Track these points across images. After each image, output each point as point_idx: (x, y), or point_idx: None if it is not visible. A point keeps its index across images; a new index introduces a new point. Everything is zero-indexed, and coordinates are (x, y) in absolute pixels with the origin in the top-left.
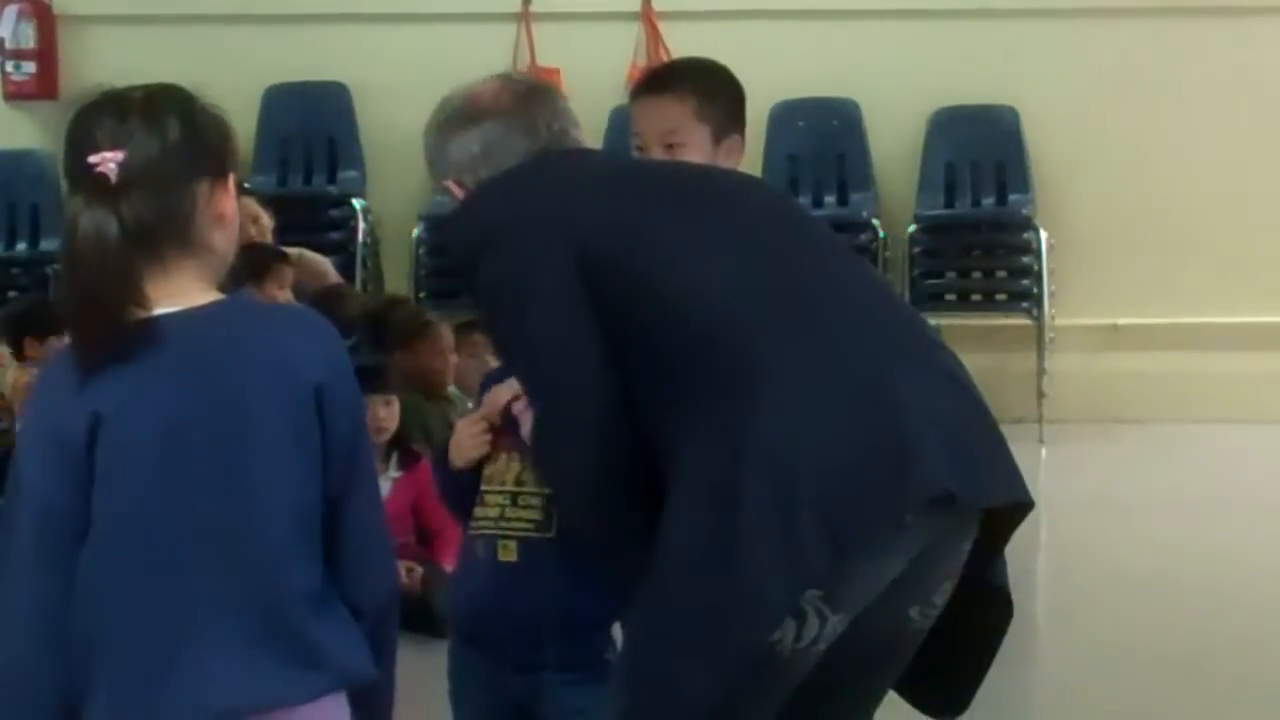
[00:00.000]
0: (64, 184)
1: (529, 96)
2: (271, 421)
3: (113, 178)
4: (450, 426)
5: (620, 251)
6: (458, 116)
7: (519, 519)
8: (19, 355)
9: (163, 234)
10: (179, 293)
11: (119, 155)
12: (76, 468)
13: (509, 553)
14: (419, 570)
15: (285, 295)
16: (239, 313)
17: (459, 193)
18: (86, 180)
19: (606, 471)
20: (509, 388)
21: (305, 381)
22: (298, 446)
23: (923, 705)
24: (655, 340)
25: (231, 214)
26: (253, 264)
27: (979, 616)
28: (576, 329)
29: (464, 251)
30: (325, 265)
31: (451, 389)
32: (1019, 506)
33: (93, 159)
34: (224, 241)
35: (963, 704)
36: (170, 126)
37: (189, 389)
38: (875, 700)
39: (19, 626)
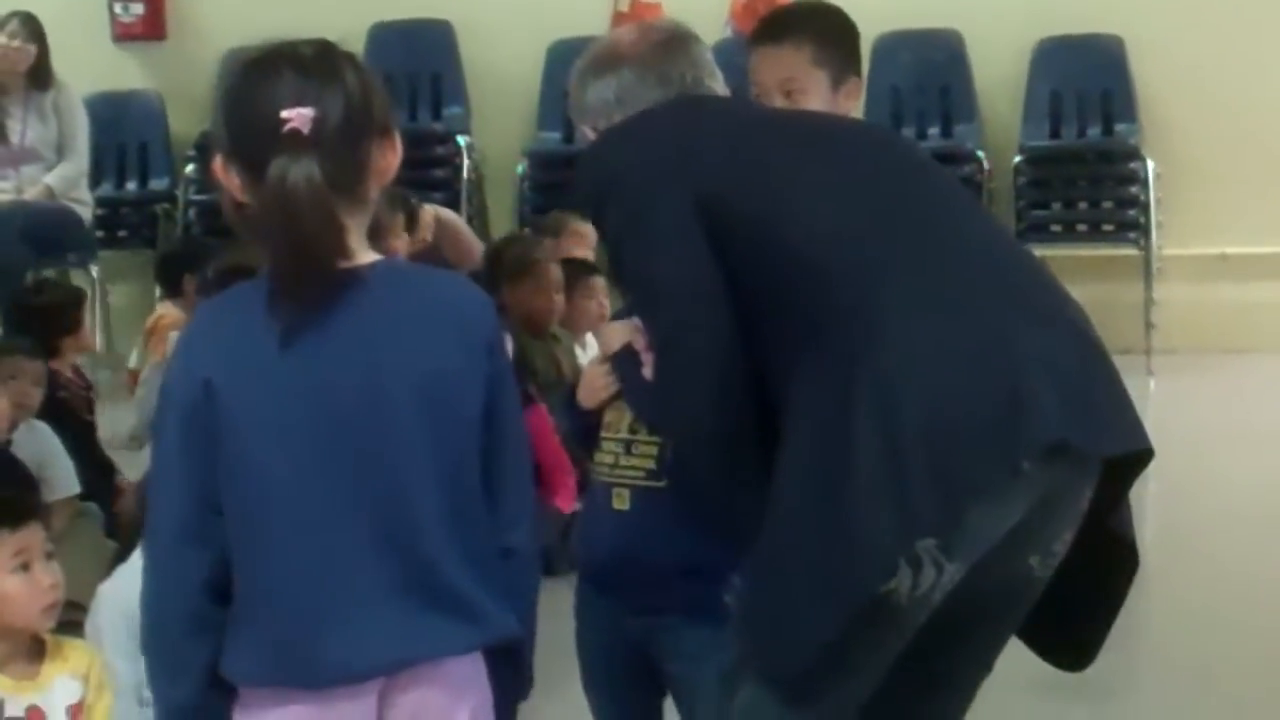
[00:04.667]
0: (219, 135)
1: (666, 45)
2: (445, 378)
3: (305, 131)
4: (556, 365)
5: (740, 192)
6: (596, 64)
7: (631, 467)
8: (174, 293)
9: (343, 190)
10: (349, 251)
11: (311, 111)
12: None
13: (622, 501)
14: None
15: (402, 244)
16: (408, 271)
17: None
18: (282, 135)
19: (724, 412)
20: (620, 328)
21: (484, 336)
22: (468, 401)
23: (1050, 657)
24: (773, 281)
25: (393, 171)
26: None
27: (1103, 566)
28: (697, 269)
29: (589, 192)
30: (465, 230)
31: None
32: (1140, 455)
33: (286, 114)
34: (375, 198)
35: (1089, 657)
36: (350, 83)
37: (358, 345)
38: (996, 648)
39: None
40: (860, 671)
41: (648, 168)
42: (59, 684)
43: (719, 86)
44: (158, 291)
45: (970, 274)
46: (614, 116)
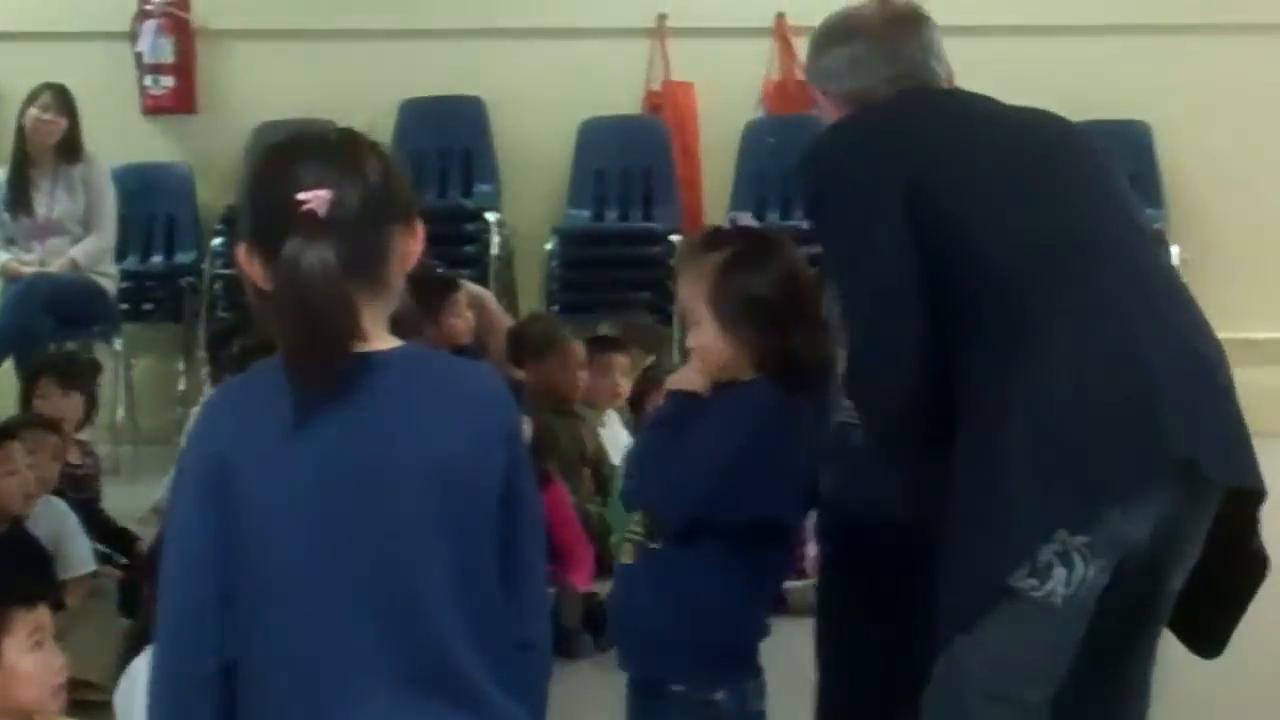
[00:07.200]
0: (242, 221)
1: (898, 24)
2: (460, 464)
3: (322, 214)
4: (580, 443)
5: (946, 188)
6: (833, 32)
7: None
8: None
9: (359, 274)
10: (365, 334)
11: (327, 194)
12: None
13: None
14: (551, 590)
15: (464, 324)
16: (428, 357)
17: (824, 102)
18: (298, 217)
19: (909, 401)
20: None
21: (501, 424)
22: (483, 488)
23: (1188, 643)
24: (957, 281)
25: (415, 258)
26: (427, 295)
27: (1233, 572)
28: (901, 278)
29: (808, 196)
30: (493, 305)
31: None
32: (1253, 495)
33: (303, 195)
34: (400, 284)
35: (1220, 647)
36: (371, 169)
37: (371, 428)
38: (1150, 651)
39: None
40: (1037, 670)
41: (866, 165)
42: None
43: (943, 70)
44: (181, 365)
45: (1124, 298)
46: (844, 83)
